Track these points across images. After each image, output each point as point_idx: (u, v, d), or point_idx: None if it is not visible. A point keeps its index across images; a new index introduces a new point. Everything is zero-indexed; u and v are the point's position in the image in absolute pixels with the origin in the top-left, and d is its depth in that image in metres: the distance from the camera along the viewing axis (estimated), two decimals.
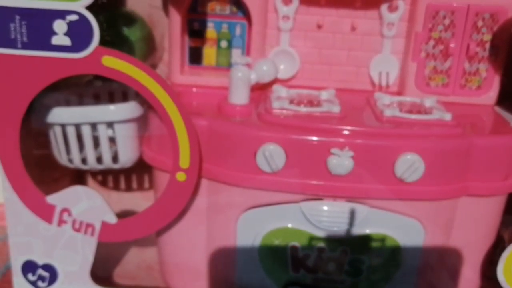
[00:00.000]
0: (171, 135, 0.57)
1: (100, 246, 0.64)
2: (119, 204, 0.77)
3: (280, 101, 0.62)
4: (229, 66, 0.70)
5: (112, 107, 0.61)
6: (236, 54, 0.70)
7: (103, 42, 0.54)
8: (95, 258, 0.63)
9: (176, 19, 0.67)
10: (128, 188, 0.81)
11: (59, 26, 0.53)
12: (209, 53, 0.70)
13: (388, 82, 0.69)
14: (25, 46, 0.54)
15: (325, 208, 0.60)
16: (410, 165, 0.57)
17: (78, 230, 0.62)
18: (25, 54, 0.54)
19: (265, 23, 0.68)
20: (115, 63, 0.55)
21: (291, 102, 0.62)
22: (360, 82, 0.70)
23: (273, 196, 0.60)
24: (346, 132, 0.58)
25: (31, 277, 0.64)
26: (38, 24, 0.53)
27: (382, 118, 0.61)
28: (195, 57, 0.71)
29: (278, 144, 0.57)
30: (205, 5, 0.68)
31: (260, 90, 0.68)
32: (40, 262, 0.63)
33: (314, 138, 0.57)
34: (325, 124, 0.59)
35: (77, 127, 0.61)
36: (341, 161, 0.57)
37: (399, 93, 0.69)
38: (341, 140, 0.57)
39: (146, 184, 0.81)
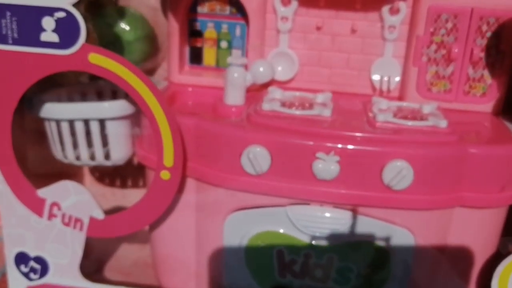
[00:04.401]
0: (155, 133, 0.57)
1: (97, 241, 0.65)
2: (115, 201, 0.78)
3: (271, 103, 0.61)
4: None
5: (105, 104, 0.62)
6: (236, 55, 0.70)
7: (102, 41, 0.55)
8: (89, 253, 0.64)
9: (175, 18, 0.68)
10: (123, 185, 0.82)
11: (48, 22, 0.54)
12: (209, 53, 0.70)
13: (389, 87, 0.68)
14: (15, 42, 0.55)
15: (311, 213, 0.58)
16: (397, 172, 0.55)
17: (67, 224, 0.62)
18: (15, 50, 0.56)
19: (264, 24, 0.67)
20: (101, 61, 0.55)
21: (283, 104, 0.61)
22: (360, 86, 0.69)
23: (259, 199, 0.59)
24: (333, 137, 0.57)
25: (23, 268, 0.65)
26: (28, 21, 0.55)
27: (375, 124, 0.59)
28: (196, 57, 0.71)
29: (263, 146, 0.57)
30: (205, 5, 0.68)
31: (258, 91, 0.67)
32: (32, 254, 0.65)
33: (300, 141, 0.56)
34: (313, 127, 0.58)
35: (71, 123, 0.62)
36: (326, 166, 0.56)
37: (400, 98, 0.67)
38: (328, 144, 0.56)
39: (141, 182, 0.82)
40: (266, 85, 0.67)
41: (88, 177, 0.84)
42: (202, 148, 0.59)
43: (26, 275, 0.66)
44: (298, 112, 0.60)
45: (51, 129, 0.64)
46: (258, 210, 0.60)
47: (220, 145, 0.58)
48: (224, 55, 0.70)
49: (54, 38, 0.55)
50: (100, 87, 0.71)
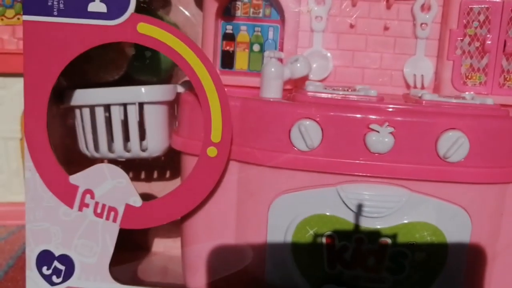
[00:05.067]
0: (203, 107, 0.55)
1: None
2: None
3: (315, 86, 0.60)
4: (261, 70, 0.70)
5: (143, 88, 0.60)
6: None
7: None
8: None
9: (209, 21, 0.68)
10: (149, 178, 0.77)
11: None
12: (242, 57, 0.70)
13: (423, 84, 0.68)
14: (61, 14, 0.54)
15: (364, 191, 0.56)
16: (453, 142, 0.54)
17: (99, 215, 0.58)
18: (61, 21, 0.55)
19: (298, 24, 0.68)
20: (150, 30, 0.54)
21: (326, 88, 0.61)
22: (393, 86, 0.69)
23: (308, 178, 0.56)
24: (386, 109, 0.56)
25: (45, 271, 0.59)
26: None
27: (422, 102, 0.58)
28: (227, 61, 0.70)
29: (314, 120, 0.55)
30: (238, 8, 0.69)
31: (293, 87, 0.66)
32: (57, 252, 0.59)
33: (352, 114, 0.55)
34: (363, 102, 0.57)
35: (106, 110, 0.60)
36: (380, 138, 0.54)
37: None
38: (381, 116, 0.55)
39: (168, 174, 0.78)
40: (299, 85, 0.67)
41: None
42: (248, 127, 0.57)
43: (48, 278, 0.59)
44: (344, 93, 0.59)
45: (83, 118, 0.61)
46: (307, 191, 0.57)
47: (268, 122, 0.56)
48: (256, 59, 0.70)
49: (102, 8, 0.54)
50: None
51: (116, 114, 0.60)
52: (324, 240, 0.57)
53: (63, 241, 0.59)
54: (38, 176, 0.58)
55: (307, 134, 0.54)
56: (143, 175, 0.77)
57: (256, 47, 0.70)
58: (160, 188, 0.74)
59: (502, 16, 0.64)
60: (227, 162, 0.56)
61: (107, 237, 0.58)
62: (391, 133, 0.54)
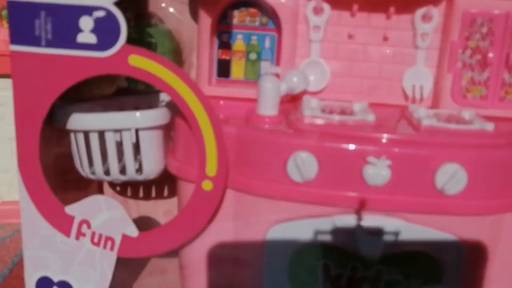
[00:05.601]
0: (198, 140, 0.54)
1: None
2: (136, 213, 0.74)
3: (312, 109, 0.59)
4: (257, 79, 0.68)
5: (137, 113, 0.58)
6: (268, 65, 0.68)
7: None
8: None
9: (205, 30, 0.65)
10: (147, 197, 0.77)
11: (86, 22, 0.52)
12: (238, 65, 0.68)
13: (422, 96, 0.66)
14: (49, 44, 0.52)
15: (360, 222, 0.56)
16: (452, 176, 0.53)
17: (97, 244, 0.58)
18: (49, 53, 0.53)
19: (296, 34, 0.65)
20: (142, 63, 0.52)
21: (323, 111, 0.59)
22: (392, 96, 0.68)
23: (305, 209, 0.56)
24: (383, 140, 0.55)
25: None
26: (64, 21, 0.52)
27: (420, 127, 0.57)
28: (224, 70, 0.68)
29: (311, 152, 0.54)
30: (234, 16, 0.67)
31: (289, 102, 0.65)
32: (56, 278, 0.59)
33: (349, 146, 0.54)
34: (360, 132, 0.56)
35: (101, 135, 0.59)
36: (378, 171, 0.54)
37: (434, 106, 0.66)
38: (378, 148, 0.54)
39: (165, 193, 0.78)
40: (297, 97, 0.66)
41: (108, 188, 0.79)
42: (243, 157, 0.56)
43: None
44: (341, 118, 0.58)
45: (77, 142, 0.60)
46: (303, 221, 0.57)
47: (264, 153, 0.55)
48: (252, 68, 0.68)
49: (92, 39, 0.52)
50: (122, 103, 0.67)
51: (111, 140, 0.59)
52: (320, 267, 0.58)
53: (62, 268, 0.59)
54: (33, 206, 0.57)
55: (303, 166, 0.54)
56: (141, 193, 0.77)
57: (252, 56, 0.68)
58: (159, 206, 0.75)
59: (505, 28, 0.62)
60: (223, 193, 0.56)
61: (105, 265, 0.58)
62: (388, 166, 0.54)
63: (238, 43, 0.68)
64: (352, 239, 0.56)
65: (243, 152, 0.56)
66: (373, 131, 0.56)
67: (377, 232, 0.56)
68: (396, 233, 0.56)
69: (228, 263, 0.60)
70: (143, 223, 0.73)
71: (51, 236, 0.58)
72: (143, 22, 0.66)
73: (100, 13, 0.51)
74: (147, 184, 0.77)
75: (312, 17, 0.65)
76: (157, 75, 0.52)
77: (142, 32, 0.65)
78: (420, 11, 0.64)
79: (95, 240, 0.58)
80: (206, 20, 0.65)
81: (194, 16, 0.70)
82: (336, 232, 0.56)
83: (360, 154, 0.54)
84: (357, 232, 0.56)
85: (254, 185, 0.56)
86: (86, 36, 0.52)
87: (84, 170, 0.61)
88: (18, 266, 0.67)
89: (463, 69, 0.64)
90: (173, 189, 0.75)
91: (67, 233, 0.58)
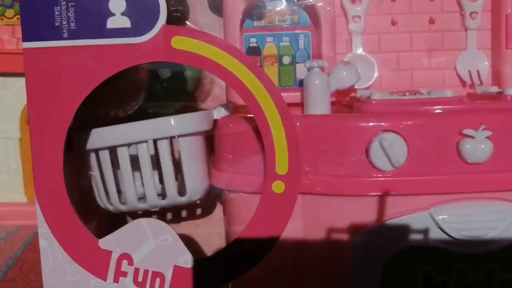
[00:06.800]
0: (264, 133, 0.44)
1: None
2: None
3: (379, 93, 0.51)
4: (294, 85, 0.60)
5: (172, 119, 0.49)
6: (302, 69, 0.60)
7: None
8: None
9: (232, 35, 0.57)
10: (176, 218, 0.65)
11: (116, 3, 0.43)
12: (270, 72, 0.60)
13: (480, 80, 0.60)
14: (72, 35, 0.43)
15: (463, 211, 0.46)
16: None
17: (141, 285, 0.46)
18: (73, 45, 0.43)
19: (334, 27, 0.58)
20: (189, 45, 0.43)
21: (392, 94, 0.52)
22: (447, 86, 0.60)
23: (394, 204, 0.46)
24: (477, 109, 0.47)
25: None
26: (90, 4, 0.43)
27: (506, 97, 0.50)
28: None
29: (397, 133, 0.45)
30: (261, 17, 0.59)
31: (337, 99, 0.57)
32: None
33: (440, 119, 0.46)
34: (445, 105, 0.48)
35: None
36: (477, 144, 0.45)
37: None
38: (474, 117, 0.46)
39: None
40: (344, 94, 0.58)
41: None
42: (312, 151, 0.47)
43: None
44: (416, 97, 0.50)
45: (100, 164, 0.49)
46: (394, 221, 0.47)
47: (339, 141, 0.46)
48: (287, 73, 0.60)
49: (125, 23, 0.43)
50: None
51: (144, 154, 0.48)
52: (420, 276, 0.47)
53: None
54: (58, 244, 0.45)
55: (391, 150, 0.45)
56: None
57: (286, 60, 0.60)
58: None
59: None
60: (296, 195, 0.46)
61: None
62: (488, 137, 0.45)
63: (269, 47, 0.60)
64: (456, 234, 0.46)
65: (310, 146, 0.47)
66: (459, 103, 0.48)
67: (484, 221, 0.46)
68: (507, 220, 0.46)
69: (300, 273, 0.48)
70: None
71: (81, 282, 0.46)
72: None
73: None
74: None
75: (350, 6, 0.59)
76: (210, 58, 0.43)
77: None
78: None
79: (139, 279, 0.46)
80: (232, 24, 0.58)
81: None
82: (435, 227, 0.46)
83: (454, 126, 0.45)
84: (460, 224, 0.46)
85: (330, 183, 0.46)
86: (118, 20, 0.43)
87: (111, 200, 0.50)
88: (12, 269, 0.62)
89: None
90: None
91: (103, 276, 0.46)
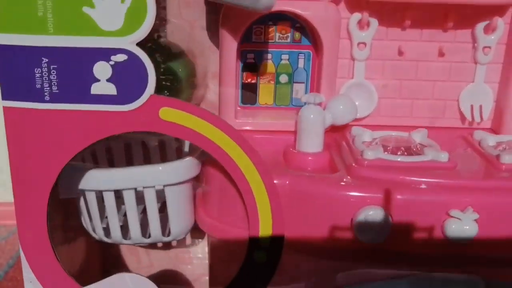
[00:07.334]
0: (247, 203, 0.44)
1: None
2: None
3: (372, 150, 0.49)
4: (289, 105, 0.58)
5: (161, 168, 0.48)
6: (299, 90, 0.58)
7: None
8: None
9: (229, 50, 0.54)
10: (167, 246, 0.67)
11: (102, 69, 0.40)
12: (266, 90, 0.58)
13: (482, 117, 0.58)
14: (54, 99, 0.41)
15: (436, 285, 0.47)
16: None
17: None
18: (54, 109, 0.41)
19: (337, 51, 0.55)
20: (178, 117, 0.42)
21: (385, 150, 0.50)
22: (447, 118, 0.59)
23: (375, 273, 0.47)
24: (466, 188, 0.46)
25: None
26: (73, 69, 0.40)
27: (501, 166, 0.49)
28: (249, 95, 0.58)
29: (381, 208, 0.45)
30: (261, 32, 0.56)
31: (332, 132, 0.55)
32: None
33: (427, 197, 0.45)
34: (436, 178, 0.47)
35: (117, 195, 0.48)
36: (462, 226, 0.45)
37: (494, 130, 0.58)
38: (462, 198, 0.45)
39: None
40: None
41: None
42: (297, 215, 0.46)
43: None
44: (408, 160, 0.49)
45: (86, 203, 0.49)
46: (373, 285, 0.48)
47: (325, 210, 0.46)
48: (283, 92, 0.58)
49: (111, 90, 0.41)
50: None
51: (131, 199, 0.48)
52: None
53: None
54: None
55: (373, 225, 0.45)
56: None
57: (283, 78, 0.57)
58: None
59: None
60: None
61: None
62: (475, 219, 0.45)
63: (266, 64, 0.57)
64: None
65: (296, 209, 0.46)
66: (450, 176, 0.47)
67: None
68: None
69: None
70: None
71: None
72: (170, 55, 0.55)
73: (119, 57, 0.40)
74: None
75: (356, 32, 0.55)
76: (199, 132, 0.42)
77: (170, 70, 0.53)
78: (482, 23, 0.55)
79: None
80: (229, 39, 0.54)
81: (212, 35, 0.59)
82: None
83: (441, 207, 0.45)
84: None
85: (314, 249, 0.47)
86: (103, 86, 0.41)
87: (97, 233, 0.51)
88: (13, 268, 0.64)
89: None
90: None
91: None
